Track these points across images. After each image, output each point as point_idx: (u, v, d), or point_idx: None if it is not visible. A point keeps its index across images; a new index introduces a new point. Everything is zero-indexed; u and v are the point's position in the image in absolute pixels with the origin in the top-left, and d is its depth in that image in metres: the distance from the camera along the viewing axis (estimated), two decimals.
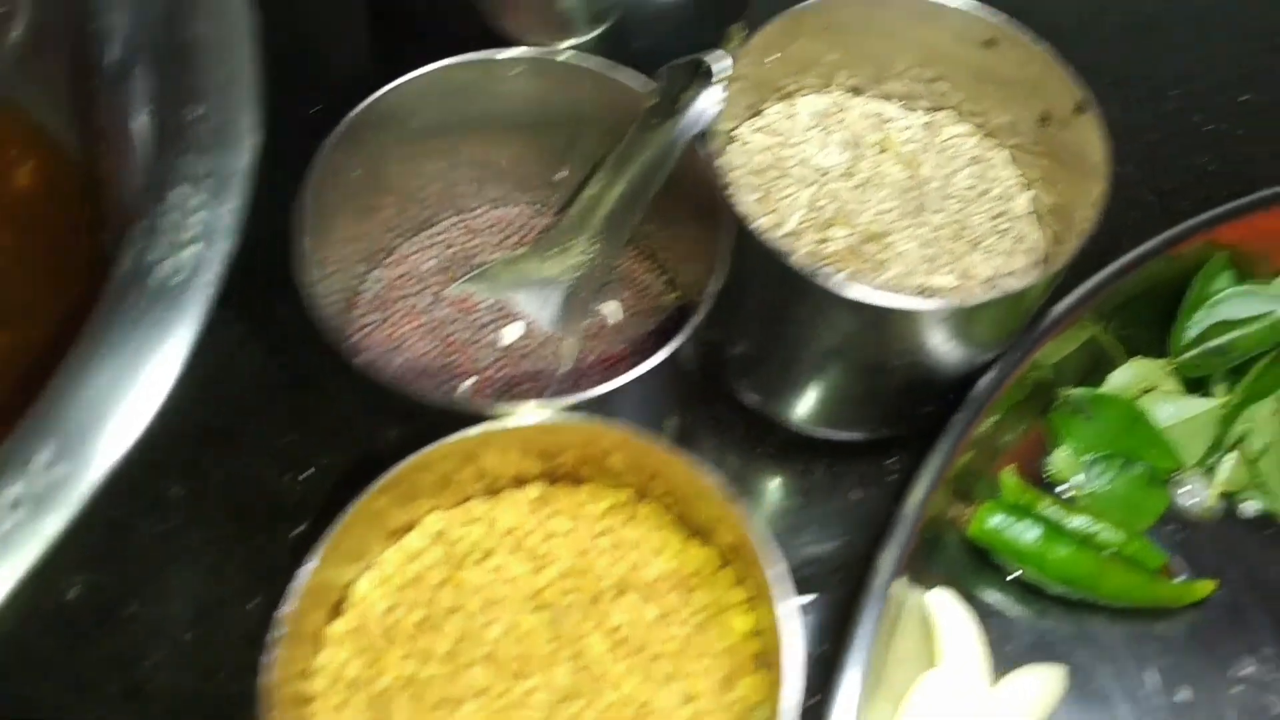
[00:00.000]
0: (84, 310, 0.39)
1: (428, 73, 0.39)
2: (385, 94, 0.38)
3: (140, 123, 0.37)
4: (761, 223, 0.40)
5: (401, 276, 0.43)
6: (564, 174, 0.44)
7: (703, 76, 0.36)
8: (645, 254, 0.44)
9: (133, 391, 0.30)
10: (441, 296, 0.43)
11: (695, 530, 0.35)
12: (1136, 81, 0.56)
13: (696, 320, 0.35)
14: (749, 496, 0.45)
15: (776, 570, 0.32)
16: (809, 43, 0.42)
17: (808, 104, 0.44)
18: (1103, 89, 0.54)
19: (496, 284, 0.43)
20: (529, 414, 0.34)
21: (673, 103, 0.37)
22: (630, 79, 0.39)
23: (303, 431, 0.44)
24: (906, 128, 0.44)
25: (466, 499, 0.36)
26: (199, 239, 0.32)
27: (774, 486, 0.45)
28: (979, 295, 0.39)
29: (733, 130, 0.43)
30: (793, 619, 0.31)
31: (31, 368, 0.41)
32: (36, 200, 0.45)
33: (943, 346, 0.38)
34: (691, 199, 0.38)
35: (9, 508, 0.28)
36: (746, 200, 0.41)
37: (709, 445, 0.45)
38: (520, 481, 0.36)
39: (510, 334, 0.42)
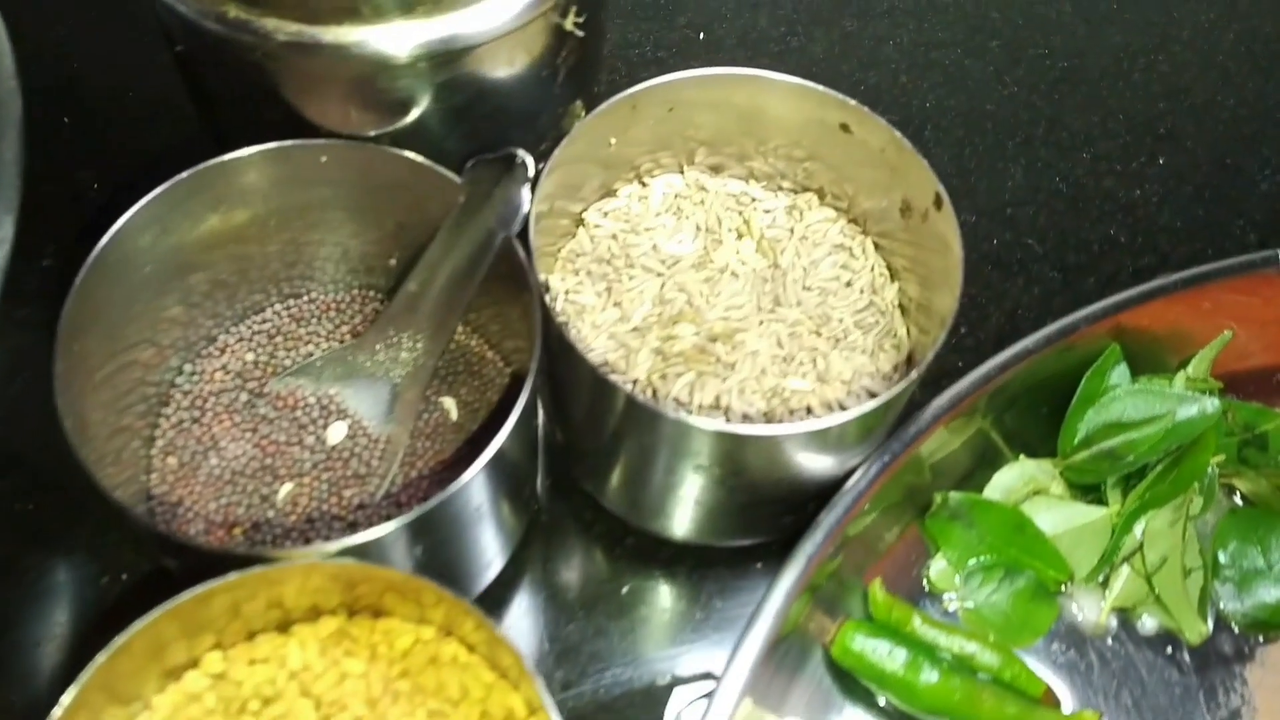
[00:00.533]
0: None
1: (234, 158, 0.36)
2: (183, 179, 0.35)
3: None
4: (591, 339, 0.37)
5: (219, 370, 0.40)
6: (394, 261, 0.40)
7: (514, 170, 0.33)
8: (483, 336, 0.41)
9: None
10: (261, 392, 0.40)
11: (503, 672, 0.32)
12: (1045, 141, 0.52)
13: (513, 420, 0.32)
14: (606, 599, 0.41)
15: None
16: (659, 122, 0.39)
17: (663, 184, 0.41)
18: (1008, 149, 0.52)
19: (321, 379, 0.39)
20: (321, 554, 0.30)
21: (485, 198, 0.34)
22: (445, 172, 0.36)
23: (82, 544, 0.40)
24: (769, 211, 0.41)
25: (256, 633, 0.33)
26: None
27: (631, 589, 0.42)
28: (823, 420, 0.34)
29: (581, 213, 0.40)
30: None
31: None
32: None
33: (798, 460, 0.34)
34: (517, 287, 0.35)
35: None
36: (585, 295, 0.38)
37: (568, 541, 0.42)
38: (317, 613, 0.33)
39: (335, 434, 0.39)
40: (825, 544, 0.37)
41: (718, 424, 0.32)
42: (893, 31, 0.55)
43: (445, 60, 0.34)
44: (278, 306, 0.42)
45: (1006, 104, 0.53)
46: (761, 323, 0.38)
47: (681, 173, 0.42)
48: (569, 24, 0.35)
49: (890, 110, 0.52)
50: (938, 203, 0.36)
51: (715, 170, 0.42)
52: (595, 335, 0.38)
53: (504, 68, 0.36)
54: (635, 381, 0.37)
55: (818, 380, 0.37)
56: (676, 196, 0.41)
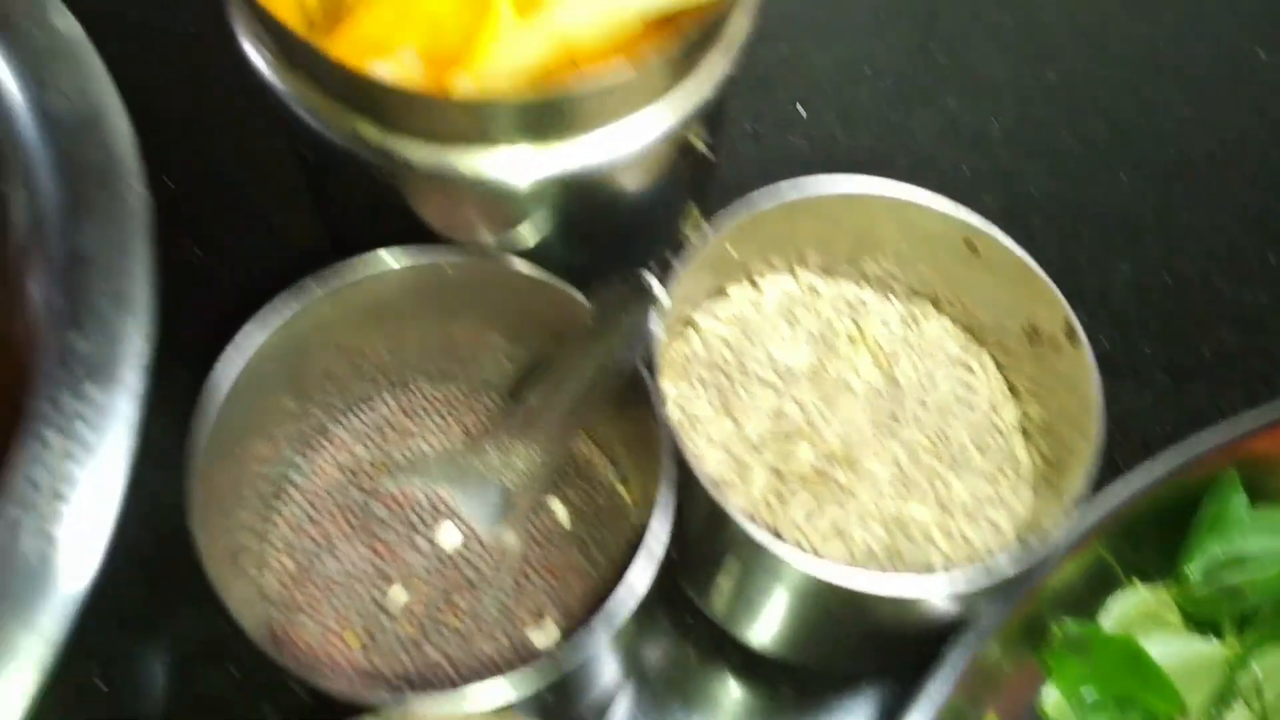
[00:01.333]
0: None
1: (360, 261, 0.36)
2: (310, 282, 0.35)
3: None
4: (705, 453, 0.37)
5: (331, 465, 0.40)
6: (509, 364, 0.40)
7: (639, 294, 0.33)
8: (599, 444, 0.41)
9: None
10: (373, 490, 0.40)
11: None
12: (1153, 234, 0.52)
13: (648, 560, 0.32)
14: (702, 708, 0.41)
15: None
16: (777, 225, 0.39)
17: (775, 286, 0.41)
18: (1116, 242, 0.51)
19: (432, 478, 0.40)
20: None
21: (608, 322, 0.34)
22: (568, 288, 0.36)
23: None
24: (884, 322, 0.41)
25: None
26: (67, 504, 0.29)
27: (734, 702, 0.42)
28: (958, 581, 0.34)
29: (692, 315, 0.40)
30: None
31: None
32: None
33: (918, 608, 0.34)
34: (639, 410, 0.35)
35: None
36: (699, 406, 0.38)
37: (666, 644, 0.42)
38: None
39: (446, 536, 0.39)
40: (954, 683, 0.37)
41: (838, 572, 0.32)
42: (997, 111, 0.55)
43: (574, 184, 0.34)
44: (387, 398, 0.42)
45: (1113, 194, 0.53)
46: (880, 443, 0.38)
47: (793, 274, 0.41)
48: (699, 145, 0.35)
49: (995, 195, 0.53)
50: (1070, 335, 0.35)
51: (826, 272, 0.41)
52: (710, 449, 0.38)
53: (630, 187, 0.36)
54: (751, 501, 0.37)
55: (939, 507, 0.37)
56: (789, 300, 0.41)
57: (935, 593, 0.33)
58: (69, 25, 0.37)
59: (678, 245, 0.38)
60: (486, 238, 0.37)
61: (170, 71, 0.52)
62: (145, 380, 0.31)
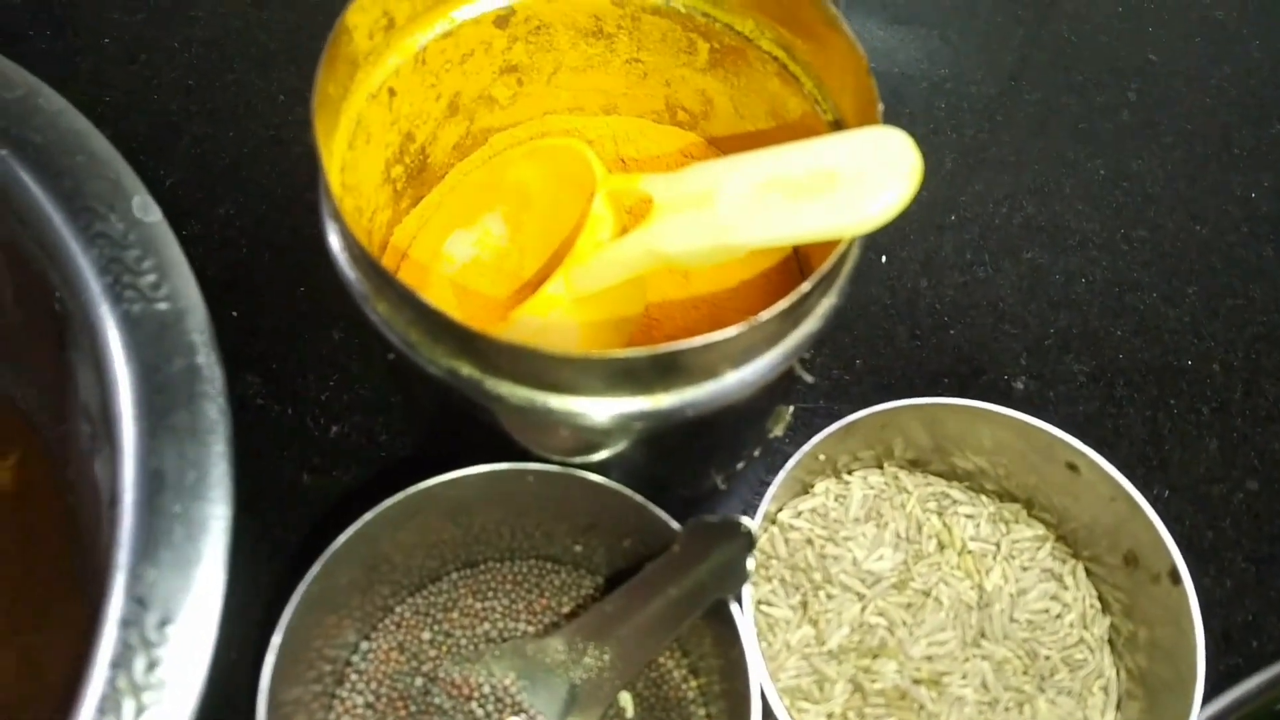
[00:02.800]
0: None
1: (448, 480, 0.36)
2: (395, 502, 0.36)
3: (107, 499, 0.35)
4: (784, 661, 0.37)
5: (394, 649, 0.40)
6: (579, 548, 0.40)
7: (734, 534, 0.32)
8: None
9: None
10: (435, 676, 0.40)
11: None
12: (1241, 408, 0.51)
13: None
14: None
15: None
16: (869, 431, 0.38)
17: (862, 482, 0.41)
18: (1203, 415, 0.50)
19: (497, 669, 0.39)
20: None
21: (698, 553, 0.33)
22: (653, 508, 0.35)
23: None
24: (971, 517, 0.40)
25: None
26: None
27: None
28: None
29: (775, 513, 0.40)
30: None
31: None
32: (15, 505, 0.43)
33: None
34: (720, 638, 0.35)
35: None
36: (779, 609, 0.38)
37: None
38: None
39: None
40: None
41: None
42: (1085, 268, 0.54)
43: (670, 419, 0.33)
44: (454, 576, 0.42)
45: (1202, 361, 0.52)
46: (967, 660, 0.37)
47: (880, 468, 0.41)
48: (800, 370, 0.35)
49: (1081, 358, 0.52)
50: (1174, 577, 0.35)
51: (915, 465, 0.41)
52: (789, 657, 0.38)
53: (725, 419, 0.35)
54: (830, 716, 0.36)
55: None
56: (876, 497, 0.40)
57: None
58: (154, 216, 0.37)
59: (766, 444, 0.38)
60: (570, 454, 0.36)
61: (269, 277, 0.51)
62: (218, 618, 0.31)
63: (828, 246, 0.33)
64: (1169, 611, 0.35)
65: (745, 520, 0.32)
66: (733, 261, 0.38)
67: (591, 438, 0.35)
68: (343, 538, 0.35)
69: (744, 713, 0.34)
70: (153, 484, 0.32)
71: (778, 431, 0.40)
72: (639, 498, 0.35)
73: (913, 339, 0.51)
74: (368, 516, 0.36)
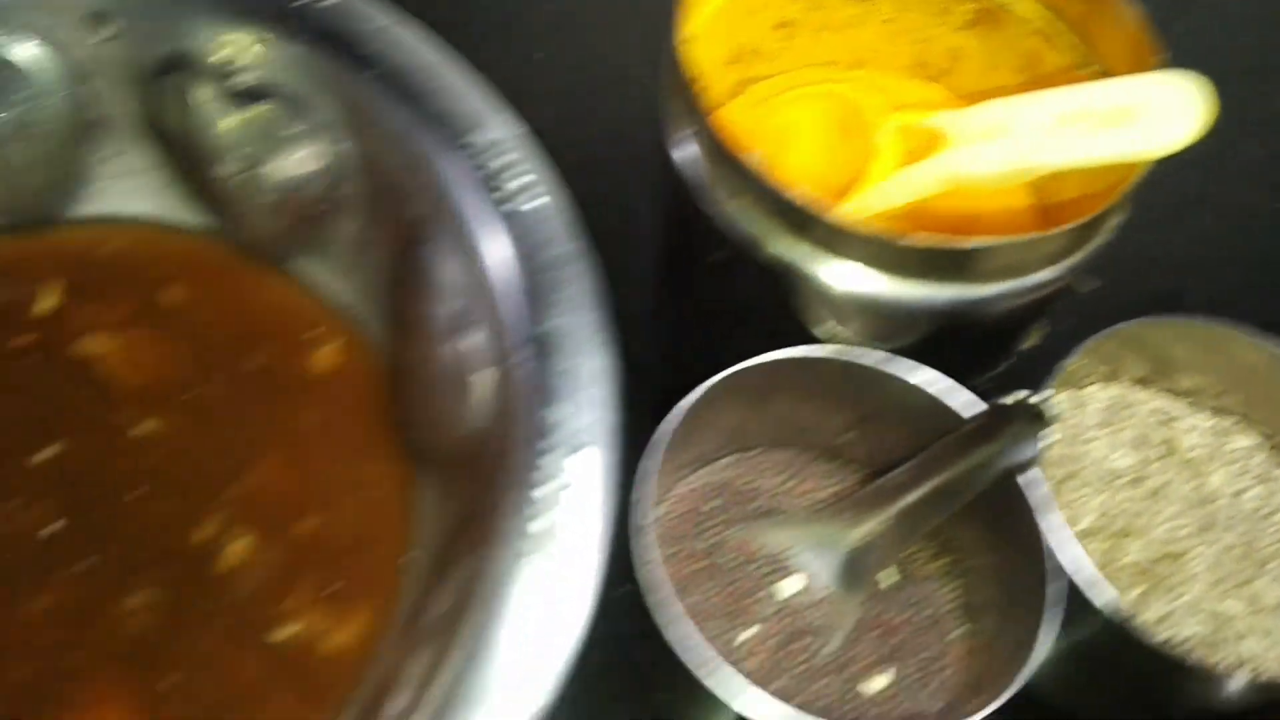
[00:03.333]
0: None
1: (753, 365, 0.42)
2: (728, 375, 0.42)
3: (478, 374, 0.41)
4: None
5: (682, 515, 0.47)
6: (849, 437, 0.46)
7: (1030, 416, 0.39)
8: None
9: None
10: (719, 540, 0.46)
11: None
12: None
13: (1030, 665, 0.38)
14: None
15: None
16: (1110, 349, 0.45)
17: (1096, 395, 0.47)
18: None
19: (778, 535, 0.46)
20: None
21: (993, 433, 0.40)
22: (941, 391, 0.42)
23: None
24: (1192, 429, 0.46)
25: None
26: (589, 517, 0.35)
27: None
28: None
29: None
30: None
31: (333, 553, 0.45)
32: (335, 382, 0.49)
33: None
34: (1001, 518, 0.41)
35: None
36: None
37: None
38: None
39: (788, 587, 0.45)
40: None
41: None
42: None
43: (955, 313, 0.40)
44: (731, 456, 0.48)
45: None
46: (1198, 544, 0.43)
47: (1109, 384, 0.47)
48: (1074, 283, 0.41)
49: None
50: None
51: (1141, 383, 0.47)
52: None
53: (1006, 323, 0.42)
54: None
55: (1249, 603, 0.42)
56: (1109, 409, 0.47)
57: None
58: (515, 131, 0.44)
59: (1018, 354, 0.44)
60: (847, 338, 0.43)
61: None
62: (615, 443, 0.37)
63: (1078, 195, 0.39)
64: None
65: (1038, 399, 0.39)
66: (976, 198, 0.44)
67: (894, 322, 0.41)
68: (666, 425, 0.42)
69: (1030, 582, 0.40)
70: (539, 347, 0.39)
71: (1034, 341, 0.47)
72: (940, 387, 0.41)
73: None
74: (685, 404, 0.42)
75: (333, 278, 0.50)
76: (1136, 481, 0.45)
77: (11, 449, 0.46)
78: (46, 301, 0.50)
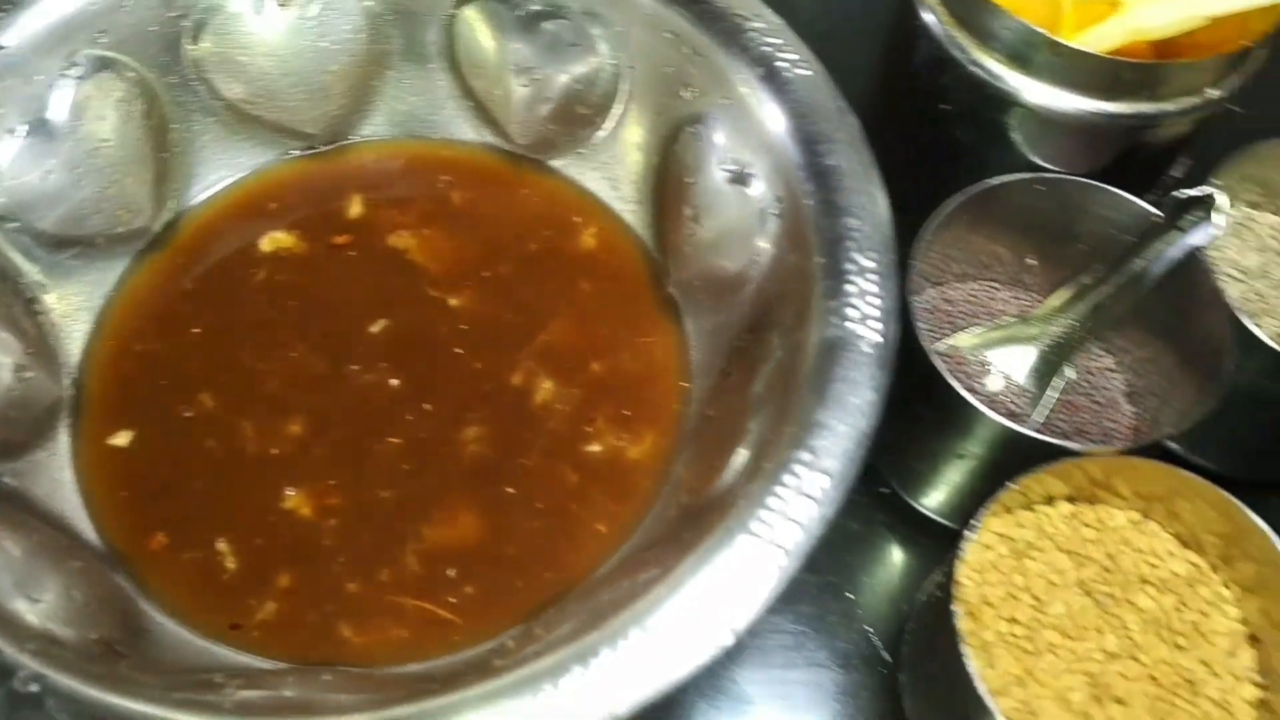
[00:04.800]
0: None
1: (1005, 182, 0.55)
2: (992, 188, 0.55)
3: (760, 218, 0.53)
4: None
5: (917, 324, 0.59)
6: (1033, 262, 0.59)
7: (1205, 209, 0.51)
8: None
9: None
10: (933, 349, 0.58)
11: (1186, 541, 0.50)
12: None
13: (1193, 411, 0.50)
14: None
15: None
16: (1239, 171, 0.57)
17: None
18: None
19: (976, 345, 0.58)
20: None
21: (1174, 225, 0.52)
22: (1125, 201, 0.54)
23: None
24: None
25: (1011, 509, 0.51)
26: (883, 319, 0.47)
27: None
28: None
29: None
30: None
31: (621, 388, 0.57)
32: (601, 256, 0.61)
33: None
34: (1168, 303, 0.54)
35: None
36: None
37: None
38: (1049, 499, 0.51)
39: (992, 384, 0.57)
40: None
41: None
42: None
43: (1138, 126, 0.52)
44: (932, 290, 0.60)
45: None
46: None
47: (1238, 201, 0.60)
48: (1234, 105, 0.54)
49: None
50: None
51: (1253, 206, 0.60)
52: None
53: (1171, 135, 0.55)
54: None
55: None
56: (1236, 224, 0.59)
57: None
58: (777, 21, 0.56)
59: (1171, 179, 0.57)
60: (1068, 169, 0.55)
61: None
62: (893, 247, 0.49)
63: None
64: None
65: (1216, 194, 0.51)
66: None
67: (1090, 144, 0.53)
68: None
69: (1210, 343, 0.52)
70: (825, 183, 0.51)
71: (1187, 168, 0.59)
72: (1136, 200, 0.54)
73: None
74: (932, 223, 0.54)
75: (592, 172, 0.62)
76: (1263, 274, 0.57)
77: (351, 322, 0.58)
78: (355, 208, 0.61)
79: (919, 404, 0.54)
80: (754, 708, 0.56)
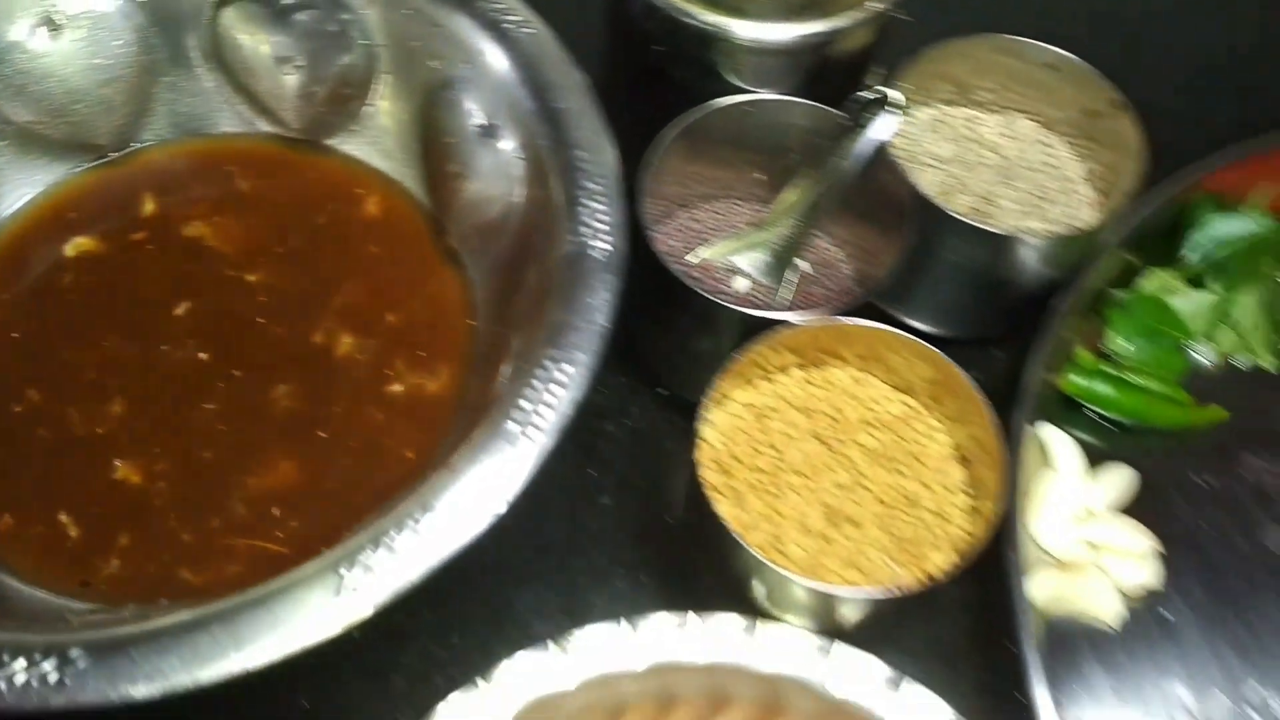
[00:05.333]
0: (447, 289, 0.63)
1: (715, 108, 0.63)
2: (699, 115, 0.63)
3: (507, 169, 0.61)
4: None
5: (675, 243, 0.67)
6: (761, 176, 0.68)
7: (883, 106, 0.60)
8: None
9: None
10: (688, 261, 0.66)
11: (899, 387, 0.59)
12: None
13: (888, 269, 0.59)
14: None
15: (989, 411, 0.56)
16: (924, 78, 0.67)
17: (923, 116, 0.69)
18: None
19: (722, 252, 0.66)
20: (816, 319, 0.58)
21: (861, 123, 0.61)
22: (820, 111, 0.63)
23: None
24: (990, 126, 0.69)
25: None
26: (611, 231, 0.55)
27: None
28: (1057, 230, 0.64)
29: None
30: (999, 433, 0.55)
31: (414, 333, 0.64)
32: (385, 220, 0.68)
33: (1034, 267, 0.63)
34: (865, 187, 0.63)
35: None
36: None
37: None
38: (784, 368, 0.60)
39: (740, 285, 0.66)
40: (1058, 327, 0.65)
41: (1007, 230, 0.60)
42: None
43: (819, 43, 0.62)
44: (685, 211, 0.69)
45: None
46: (1004, 192, 0.66)
47: (930, 105, 0.69)
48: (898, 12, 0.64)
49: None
50: (1122, 107, 0.64)
51: (949, 103, 0.69)
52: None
53: (853, 47, 0.64)
54: None
55: (1042, 220, 0.65)
56: (931, 121, 0.69)
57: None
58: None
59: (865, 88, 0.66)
60: (762, 88, 0.64)
61: None
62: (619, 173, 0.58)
63: None
64: (1118, 135, 0.65)
65: (890, 91, 0.60)
66: None
67: (785, 66, 0.63)
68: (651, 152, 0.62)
69: (891, 220, 0.61)
70: (556, 126, 0.59)
71: (874, 80, 0.69)
72: (827, 108, 0.63)
73: None
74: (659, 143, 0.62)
75: (366, 146, 0.70)
76: (960, 162, 0.67)
77: (157, 308, 0.64)
78: (149, 207, 0.67)
79: (674, 311, 0.62)
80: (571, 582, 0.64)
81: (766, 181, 0.68)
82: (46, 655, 0.44)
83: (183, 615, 0.46)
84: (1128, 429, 0.67)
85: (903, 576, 0.55)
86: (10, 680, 0.43)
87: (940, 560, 0.55)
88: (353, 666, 0.60)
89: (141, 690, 0.44)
